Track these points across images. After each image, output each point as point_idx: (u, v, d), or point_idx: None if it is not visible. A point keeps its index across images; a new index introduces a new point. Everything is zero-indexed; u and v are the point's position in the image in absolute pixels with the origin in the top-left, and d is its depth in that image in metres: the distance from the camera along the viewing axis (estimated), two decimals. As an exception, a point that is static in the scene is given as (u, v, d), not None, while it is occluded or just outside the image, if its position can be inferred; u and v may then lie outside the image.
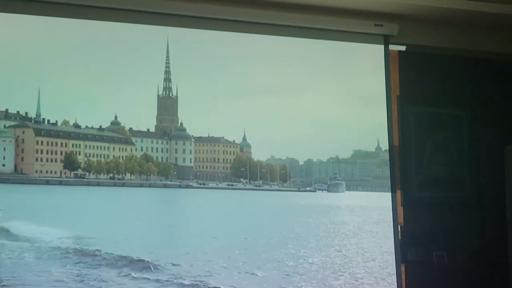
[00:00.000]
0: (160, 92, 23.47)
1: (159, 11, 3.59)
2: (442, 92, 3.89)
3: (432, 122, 3.86)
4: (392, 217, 3.87)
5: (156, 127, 23.83)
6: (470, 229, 3.89)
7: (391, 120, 3.81)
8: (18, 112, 23.88)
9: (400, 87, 3.83)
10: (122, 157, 23.88)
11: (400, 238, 3.83)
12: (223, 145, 23.43)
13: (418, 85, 3.86)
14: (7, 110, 23.23)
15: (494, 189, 3.88)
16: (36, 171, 23.40)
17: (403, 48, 3.87)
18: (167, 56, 22.70)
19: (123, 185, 23.53)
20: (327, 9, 3.65)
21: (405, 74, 3.84)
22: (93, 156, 23.68)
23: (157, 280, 12.37)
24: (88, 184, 22.98)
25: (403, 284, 3.80)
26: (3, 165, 22.41)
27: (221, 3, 3.57)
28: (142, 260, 13.42)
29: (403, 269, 3.81)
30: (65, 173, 23.74)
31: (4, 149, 22.38)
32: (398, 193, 3.82)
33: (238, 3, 3.59)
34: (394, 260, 3.89)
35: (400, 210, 3.84)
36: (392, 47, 3.84)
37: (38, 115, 23.93)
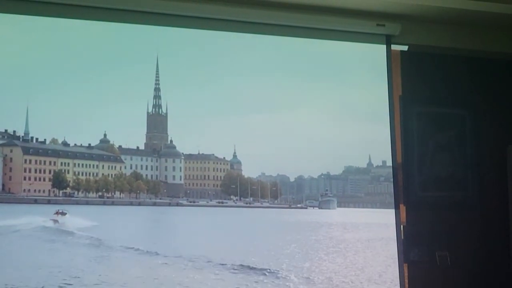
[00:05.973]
0: (150, 110, 23.28)
1: (154, 11, 3.59)
2: (444, 92, 3.91)
3: (434, 122, 3.87)
4: (395, 219, 3.87)
5: (146, 144, 23.63)
6: (473, 229, 3.88)
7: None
8: (6, 130, 23.56)
9: (402, 87, 3.85)
10: (111, 175, 23.63)
11: (403, 238, 3.82)
12: (213, 162, 23.28)
13: (420, 85, 3.87)
14: (-5, 128, 23.00)
15: (497, 189, 3.89)
16: (24, 190, 23.09)
17: (405, 48, 3.88)
18: (157, 73, 22.57)
19: (112, 203, 23.30)
20: (329, 9, 3.66)
21: (408, 74, 3.85)
22: (82, 175, 23.40)
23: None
24: (77, 202, 22.74)
25: (406, 284, 3.78)
26: (-10, 184, 22.21)
27: (223, 2, 3.58)
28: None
29: (406, 269, 3.80)
30: (53, 192, 23.45)
31: (-8, 168, 22.19)
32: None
33: (239, 3, 3.59)
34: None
35: (403, 213, 3.84)
36: (394, 47, 3.86)
37: (26, 133, 23.62)
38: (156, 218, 21.80)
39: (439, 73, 3.90)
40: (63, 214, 20.19)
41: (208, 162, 22.89)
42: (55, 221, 19.77)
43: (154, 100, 23.46)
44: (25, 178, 22.66)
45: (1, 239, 16.94)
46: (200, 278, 13.52)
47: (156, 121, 23.20)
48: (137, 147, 23.47)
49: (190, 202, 22.76)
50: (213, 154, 23.08)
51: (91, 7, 3.49)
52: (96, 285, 12.87)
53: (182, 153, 23.26)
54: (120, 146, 23.38)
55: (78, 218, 19.43)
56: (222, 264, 14.72)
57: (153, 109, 23.25)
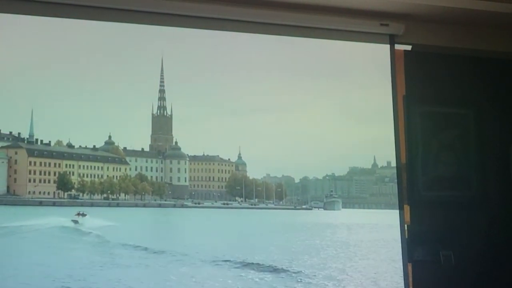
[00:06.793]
0: (155, 111, 23.27)
1: (156, 11, 3.60)
2: (448, 92, 3.91)
3: (438, 121, 3.88)
4: (399, 219, 3.86)
5: (151, 146, 23.61)
6: (477, 228, 3.88)
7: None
8: (10, 132, 23.51)
9: (406, 87, 3.85)
10: (116, 177, 23.62)
11: (407, 237, 3.82)
12: (218, 164, 23.24)
13: (424, 84, 3.88)
14: (-1, 130, 22.97)
15: (500, 188, 3.89)
16: (29, 192, 23.06)
17: (409, 47, 3.89)
18: (162, 75, 22.55)
19: (117, 205, 23.30)
20: (333, 9, 3.67)
21: (411, 74, 3.86)
22: (87, 176, 23.40)
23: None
24: (82, 204, 22.75)
25: (410, 284, 3.78)
26: (-4, 186, 22.21)
27: (225, 2, 3.59)
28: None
29: (410, 268, 3.80)
30: (58, 194, 23.43)
31: (-3, 170, 22.20)
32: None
33: (242, 3, 3.61)
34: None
35: (407, 213, 3.84)
36: (398, 46, 3.86)
37: (31, 135, 23.58)
38: (166, 220, 22.05)
39: (443, 72, 3.91)
40: (83, 215, 21.03)
41: (213, 164, 22.82)
42: (75, 221, 20.68)
43: (159, 102, 23.43)
44: (30, 180, 22.66)
45: (13, 239, 17.18)
46: (211, 276, 13.66)
47: (161, 123, 23.17)
48: (142, 149, 23.46)
49: (195, 203, 22.70)
50: (218, 156, 23.02)
51: (94, 7, 3.50)
52: (107, 284, 13.06)
53: (187, 155, 23.23)
54: (125, 148, 23.36)
55: (97, 219, 20.03)
56: (231, 261, 14.88)
57: (158, 111, 23.24)
